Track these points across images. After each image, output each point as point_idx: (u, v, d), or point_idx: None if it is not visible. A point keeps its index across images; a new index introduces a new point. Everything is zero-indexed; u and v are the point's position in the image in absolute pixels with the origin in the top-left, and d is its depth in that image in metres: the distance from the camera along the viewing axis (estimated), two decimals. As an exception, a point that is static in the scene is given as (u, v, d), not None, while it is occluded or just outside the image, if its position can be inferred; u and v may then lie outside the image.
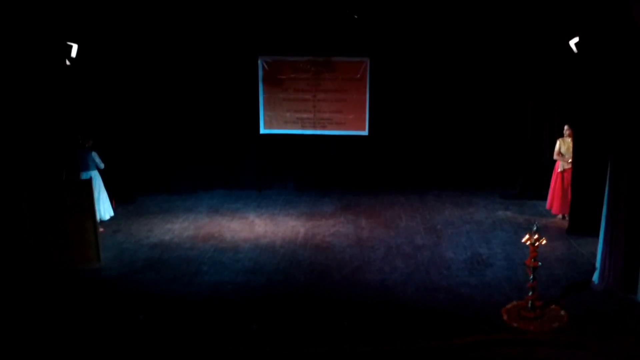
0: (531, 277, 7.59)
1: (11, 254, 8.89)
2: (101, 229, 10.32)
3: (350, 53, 13.23)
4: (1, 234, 8.82)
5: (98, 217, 9.89)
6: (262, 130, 13.71)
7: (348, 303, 8.16)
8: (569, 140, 11.16)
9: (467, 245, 10.27)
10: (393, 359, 7.02)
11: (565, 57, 11.11)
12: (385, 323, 7.61)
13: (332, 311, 7.91)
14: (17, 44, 8.76)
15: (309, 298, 8.37)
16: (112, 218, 11.56)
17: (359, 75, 13.34)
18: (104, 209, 11.31)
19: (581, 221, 10.42)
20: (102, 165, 11.06)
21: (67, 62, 10.64)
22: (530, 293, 7.66)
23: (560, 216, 11.45)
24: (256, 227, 11.33)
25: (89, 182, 9.73)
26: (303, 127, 13.68)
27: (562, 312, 7.70)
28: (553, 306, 7.86)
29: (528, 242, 7.51)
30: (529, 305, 7.65)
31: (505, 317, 7.62)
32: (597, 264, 8.63)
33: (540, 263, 7.66)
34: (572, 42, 10.38)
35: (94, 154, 10.96)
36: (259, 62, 13.43)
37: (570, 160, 10.96)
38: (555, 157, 11.39)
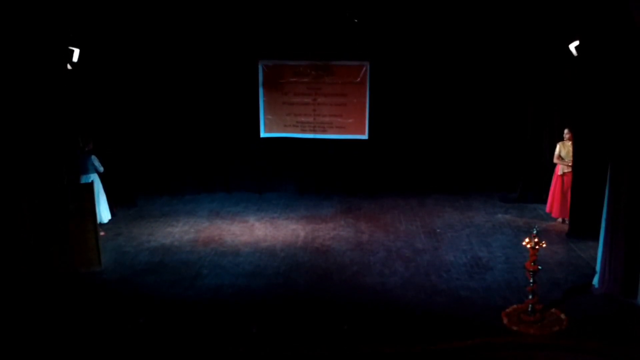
0: (531, 280, 7.60)
1: (12, 257, 8.89)
2: (102, 233, 10.33)
3: (350, 57, 13.25)
4: (2, 238, 8.82)
5: (98, 220, 9.89)
6: (263, 134, 13.73)
7: (348, 306, 8.16)
8: (568, 143, 11.17)
9: (466, 249, 10.28)
10: (393, 362, 7.03)
11: (565, 61, 11.13)
12: (385, 326, 7.62)
13: (332, 314, 7.91)
14: (19, 48, 8.78)
15: (309, 301, 8.38)
16: (113, 221, 11.58)
17: (358, 79, 13.36)
18: (104, 212, 11.34)
19: (581, 225, 10.42)
20: (101, 169, 11.08)
21: (69, 67, 10.64)
22: (530, 296, 7.66)
23: (560, 220, 11.46)
24: (256, 231, 11.34)
25: (90, 186, 9.74)
26: (303, 131, 13.69)
27: (562, 316, 7.70)
28: (553, 310, 7.86)
29: (528, 246, 7.52)
30: (529, 308, 7.65)
31: (505, 321, 7.63)
32: (597, 268, 8.63)
33: (540, 266, 7.66)
34: (572, 46, 10.39)
35: (94, 158, 10.99)
36: (259, 66, 13.46)
37: (570, 164, 10.98)
38: (555, 160, 11.40)
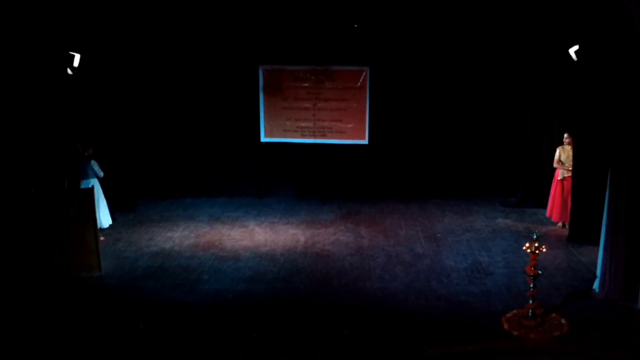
0: (531, 285, 7.59)
1: (12, 261, 8.88)
2: (102, 238, 10.33)
3: (350, 62, 13.28)
4: (2, 242, 8.82)
5: (98, 226, 9.88)
6: (263, 139, 13.74)
7: (348, 311, 8.15)
8: (568, 148, 11.18)
9: (467, 254, 10.27)
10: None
11: (564, 65, 11.14)
12: (385, 331, 7.61)
13: (332, 319, 7.90)
14: (20, 53, 8.80)
15: (309, 306, 8.37)
16: (113, 226, 11.59)
17: (358, 84, 13.38)
18: (104, 217, 11.34)
19: (581, 229, 10.42)
20: (101, 174, 11.08)
21: (70, 72, 10.66)
22: (530, 301, 7.65)
23: (560, 224, 11.45)
24: (256, 236, 11.34)
25: (90, 191, 9.74)
26: (303, 136, 13.70)
27: (563, 321, 7.69)
28: (554, 314, 7.86)
29: (528, 250, 7.52)
30: (530, 313, 7.64)
31: (505, 326, 7.62)
32: (598, 272, 8.62)
33: (540, 271, 7.67)
34: (572, 50, 10.41)
35: (94, 163, 10.99)
36: (260, 70, 13.48)
37: (570, 168, 10.98)
38: (555, 165, 11.40)
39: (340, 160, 13.70)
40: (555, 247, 10.33)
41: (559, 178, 11.34)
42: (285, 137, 13.72)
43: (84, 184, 10.82)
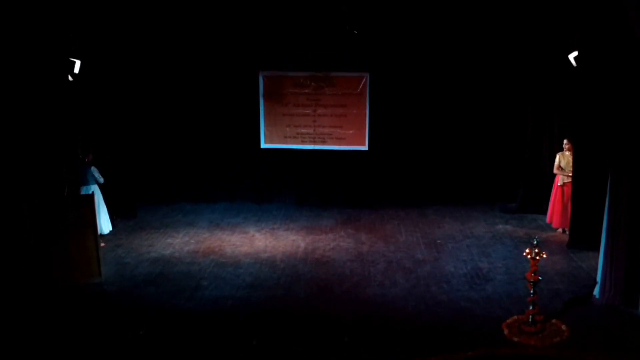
0: (532, 291, 7.59)
1: (12, 268, 8.87)
2: (102, 244, 10.33)
3: (350, 68, 13.31)
4: (2, 246, 8.81)
5: (98, 232, 9.89)
6: (263, 145, 13.76)
7: (348, 318, 8.14)
8: (568, 154, 11.20)
9: (467, 260, 10.27)
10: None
11: (564, 71, 11.16)
12: (385, 338, 7.60)
13: (332, 326, 7.90)
14: (21, 59, 8.83)
15: (309, 313, 8.36)
16: (113, 233, 11.59)
17: (358, 90, 13.41)
18: (104, 223, 11.35)
19: (582, 235, 10.42)
20: (101, 180, 11.09)
21: (70, 78, 10.69)
22: (530, 307, 7.66)
23: (560, 230, 11.46)
24: (256, 242, 11.34)
25: (90, 197, 9.75)
26: (303, 142, 13.72)
27: (563, 327, 7.69)
28: (554, 320, 7.85)
29: (529, 256, 7.52)
30: (530, 319, 7.64)
31: (506, 332, 7.61)
32: (598, 278, 8.62)
33: (540, 277, 7.67)
34: (571, 56, 10.43)
35: (94, 169, 11.01)
36: (260, 77, 13.51)
37: (570, 174, 10.99)
38: (555, 171, 11.42)
39: (340, 166, 13.72)
40: (555, 253, 10.33)
41: (559, 184, 11.35)
42: (286, 143, 13.74)
43: (84, 190, 10.83)
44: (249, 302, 8.72)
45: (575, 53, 10.29)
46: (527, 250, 7.55)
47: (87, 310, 8.43)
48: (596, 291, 8.61)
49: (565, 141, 11.34)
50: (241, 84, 13.40)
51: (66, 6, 9.71)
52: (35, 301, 8.61)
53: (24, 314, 8.24)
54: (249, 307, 8.57)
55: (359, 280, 9.50)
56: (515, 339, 7.45)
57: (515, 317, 7.92)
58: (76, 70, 10.73)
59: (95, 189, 10.96)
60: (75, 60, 10.68)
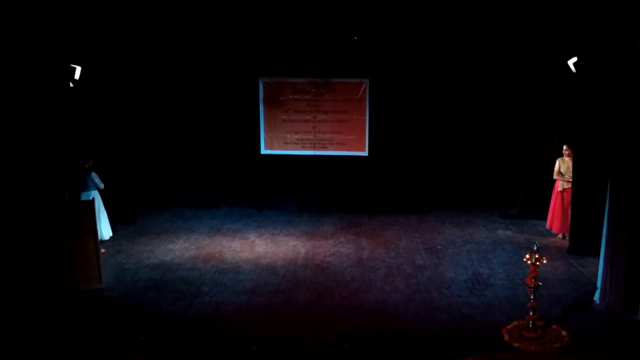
0: (532, 296, 7.59)
1: (12, 273, 8.87)
2: (103, 250, 10.32)
3: (350, 74, 13.34)
4: (2, 253, 8.81)
5: (99, 237, 9.89)
6: (263, 151, 13.77)
7: (349, 323, 8.14)
8: (568, 159, 11.21)
9: (467, 265, 10.27)
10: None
11: (563, 76, 11.18)
12: (386, 344, 7.59)
13: (333, 331, 7.89)
14: (22, 65, 8.85)
15: (309, 318, 8.35)
16: (113, 238, 11.59)
17: (358, 96, 13.43)
18: (104, 229, 11.36)
19: (582, 241, 10.42)
20: (101, 186, 11.11)
21: (71, 84, 10.71)
22: (531, 313, 7.65)
23: (560, 236, 11.46)
24: (257, 248, 11.34)
25: (91, 203, 9.75)
26: (303, 148, 13.73)
27: (564, 332, 7.68)
28: (554, 326, 7.84)
29: (529, 262, 7.52)
30: (530, 325, 7.64)
31: (506, 337, 7.61)
32: (598, 284, 8.62)
33: (541, 283, 7.67)
34: (571, 62, 10.46)
35: (94, 174, 11.03)
36: (260, 83, 13.53)
37: (570, 180, 11.00)
38: (555, 176, 11.42)
39: (340, 172, 13.73)
40: (555, 259, 10.33)
41: (559, 189, 11.35)
42: (286, 149, 13.75)
43: (84, 196, 10.84)
44: (249, 308, 8.71)
45: (575, 59, 10.32)
46: (527, 256, 7.56)
47: (87, 316, 8.41)
48: (596, 297, 8.61)
49: (564, 147, 11.35)
50: (241, 90, 13.42)
51: (67, 12, 9.74)
52: (35, 307, 8.60)
53: (24, 320, 8.23)
54: (249, 312, 8.57)
55: (360, 285, 9.49)
56: (516, 345, 7.44)
57: (516, 322, 7.91)
58: (77, 76, 10.76)
59: (95, 195, 10.96)
60: (76, 66, 10.72)
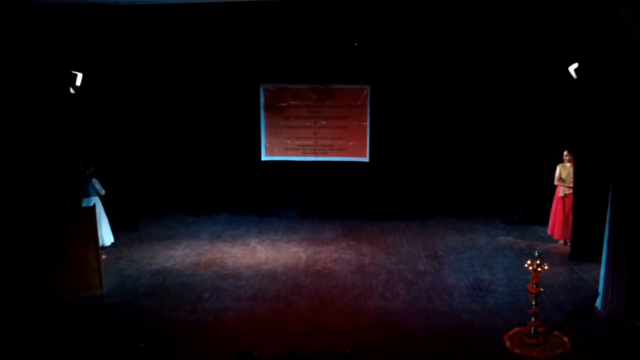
0: (533, 303, 7.58)
1: (13, 279, 8.87)
2: (104, 256, 10.33)
3: (351, 80, 13.35)
4: (3, 258, 8.82)
5: (100, 244, 9.90)
6: (264, 157, 13.78)
7: (350, 329, 8.13)
8: (568, 165, 11.21)
9: (468, 271, 10.26)
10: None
11: (564, 83, 11.19)
12: (387, 350, 7.58)
13: (334, 338, 7.88)
14: (24, 73, 8.88)
15: (310, 325, 8.34)
16: (114, 245, 11.60)
17: (359, 102, 13.45)
18: (105, 235, 11.36)
19: (583, 247, 10.42)
20: (102, 192, 11.13)
21: (72, 91, 10.74)
22: (532, 319, 7.64)
23: (562, 242, 11.45)
24: (258, 254, 11.33)
25: (92, 210, 9.76)
26: (304, 154, 13.73)
27: (565, 339, 7.67)
28: (556, 332, 7.83)
29: (530, 268, 7.51)
30: (532, 331, 7.62)
31: (507, 344, 7.59)
32: (600, 290, 8.61)
33: (542, 289, 7.66)
34: (572, 68, 10.47)
35: (95, 181, 11.05)
36: (261, 89, 13.55)
37: (571, 185, 11.00)
38: (555, 182, 11.42)
39: (341, 178, 13.73)
40: (557, 265, 10.32)
41: (560, 195, 11.35)
42: (286, 155, 13.75)
43: (85, 202, 10.86)
44: (250, 314, 8.70)
45: (576, 65, 10.34)
46: (529, 262, 7.55)
47: (88, 323, 8.41)
48: (598, 303, 8.59)
49: (565, 152, 11.36)
50: (242, 96, 13.44)
51: (69, 20, 9.76)
52: (36, 313, 8.59)
53: (25, 326, 8.23)
54: (250, 319, 8.56)
55: (361, 292, 9.49)
56: (517, 351, 7.42)
57: (517, 328, 7.90)
58: (78, 83, 10.79)
59: (96, 201, 10.98)
60: (77, 73, 10.74)
